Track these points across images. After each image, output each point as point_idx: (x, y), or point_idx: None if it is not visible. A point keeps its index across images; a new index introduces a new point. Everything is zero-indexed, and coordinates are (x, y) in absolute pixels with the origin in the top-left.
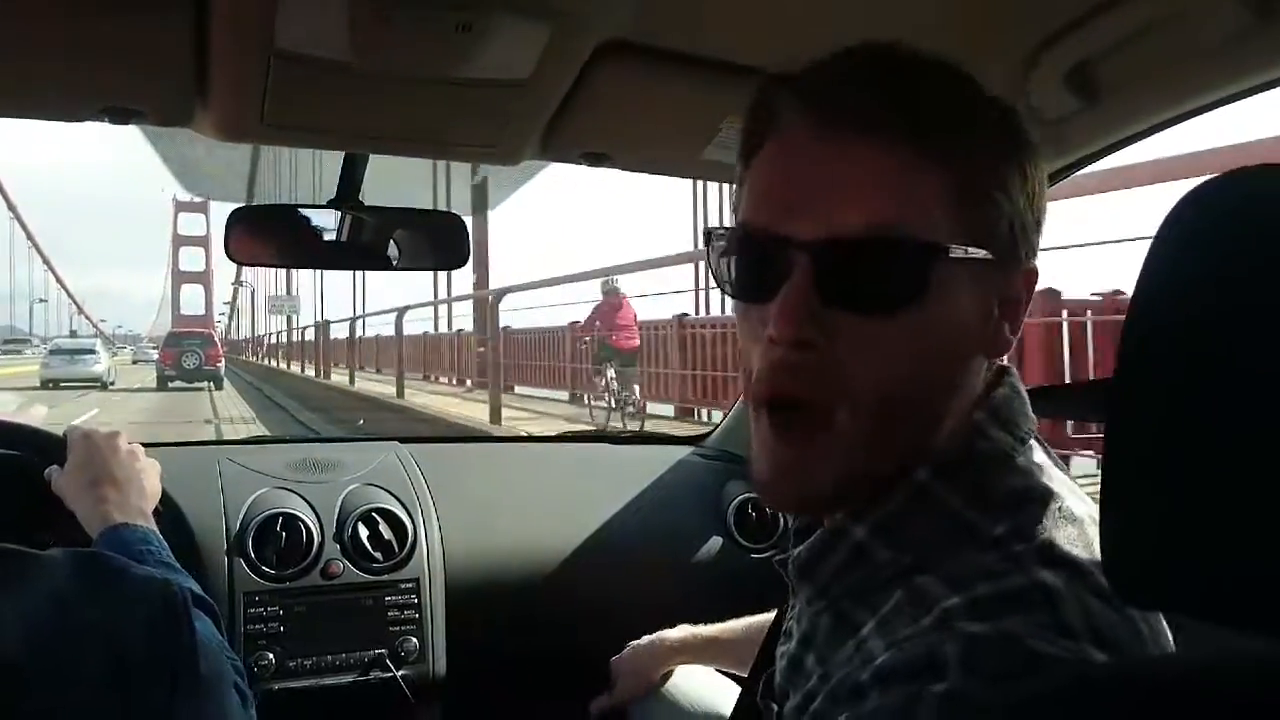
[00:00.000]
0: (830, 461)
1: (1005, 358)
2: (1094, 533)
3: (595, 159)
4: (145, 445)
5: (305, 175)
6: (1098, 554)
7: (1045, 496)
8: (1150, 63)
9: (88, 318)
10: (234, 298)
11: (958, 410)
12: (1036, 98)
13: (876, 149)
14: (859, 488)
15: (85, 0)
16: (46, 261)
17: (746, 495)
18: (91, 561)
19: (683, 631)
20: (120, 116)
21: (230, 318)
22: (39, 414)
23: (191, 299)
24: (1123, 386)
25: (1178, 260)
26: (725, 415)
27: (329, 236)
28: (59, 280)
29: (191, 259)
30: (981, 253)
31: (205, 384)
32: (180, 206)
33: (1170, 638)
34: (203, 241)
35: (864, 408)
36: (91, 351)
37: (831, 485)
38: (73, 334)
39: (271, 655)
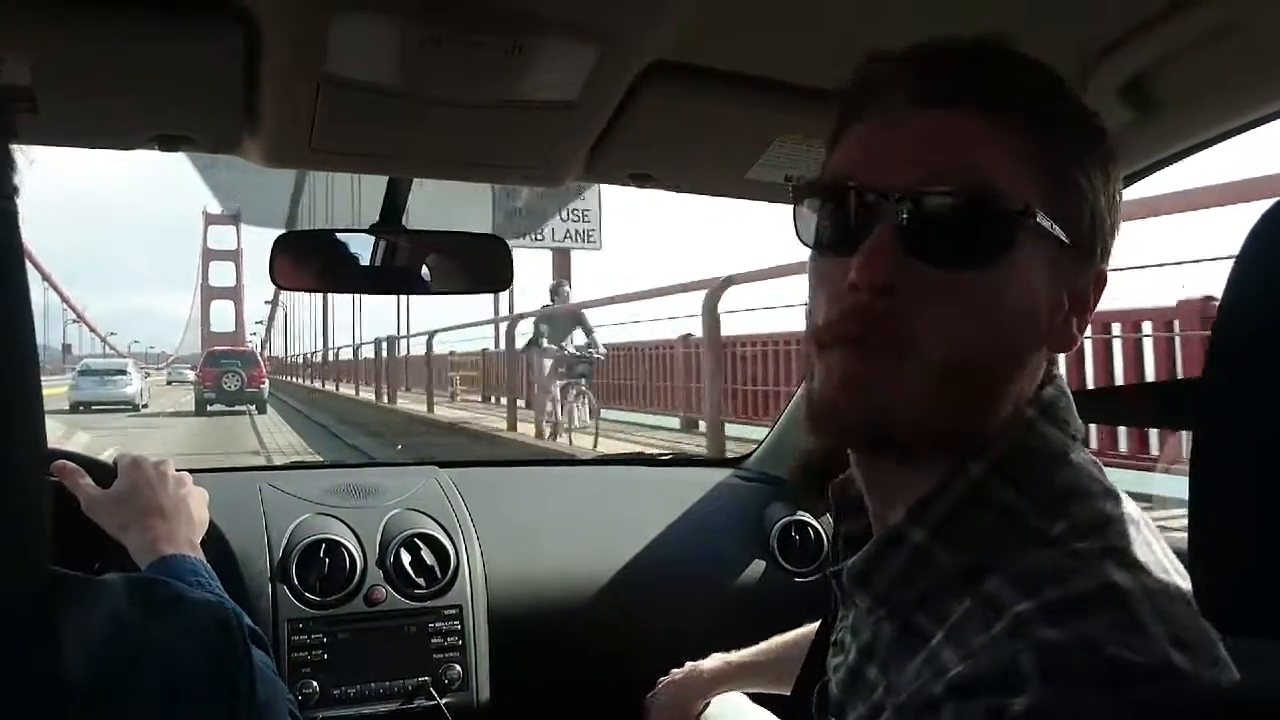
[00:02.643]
0: (898, 394)
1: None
2: (1149, 534)
3: (640, 180)
4: (190, 471)
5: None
6: (1159, 553)
7: (1100, 493)
8: (1207, 74)
9: (105, 341)
10: (270, 317)
11: (1013, 399)
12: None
13: (970, 117)
14: (926, 429)
15: (137, 31)
16: (59, 292)
17: (789, 518)
18: (148, 586)
19: (716, 661)
20: (170, 144)
21: (266, 335)
22: (80, 442)
23: (221, 316)
24: (1212, 400)
25: (1269, 269)
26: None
27: (371, 261)
28: (72, 307)
29: (221, 274)
30: (1062, 234)
31: (247, 408)
32: (210, 220)
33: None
34: (233, 256)
35: (930, 365)
36: (123, 372)
37: (900, 408)
38: (110, 350)
39: (315, 683)
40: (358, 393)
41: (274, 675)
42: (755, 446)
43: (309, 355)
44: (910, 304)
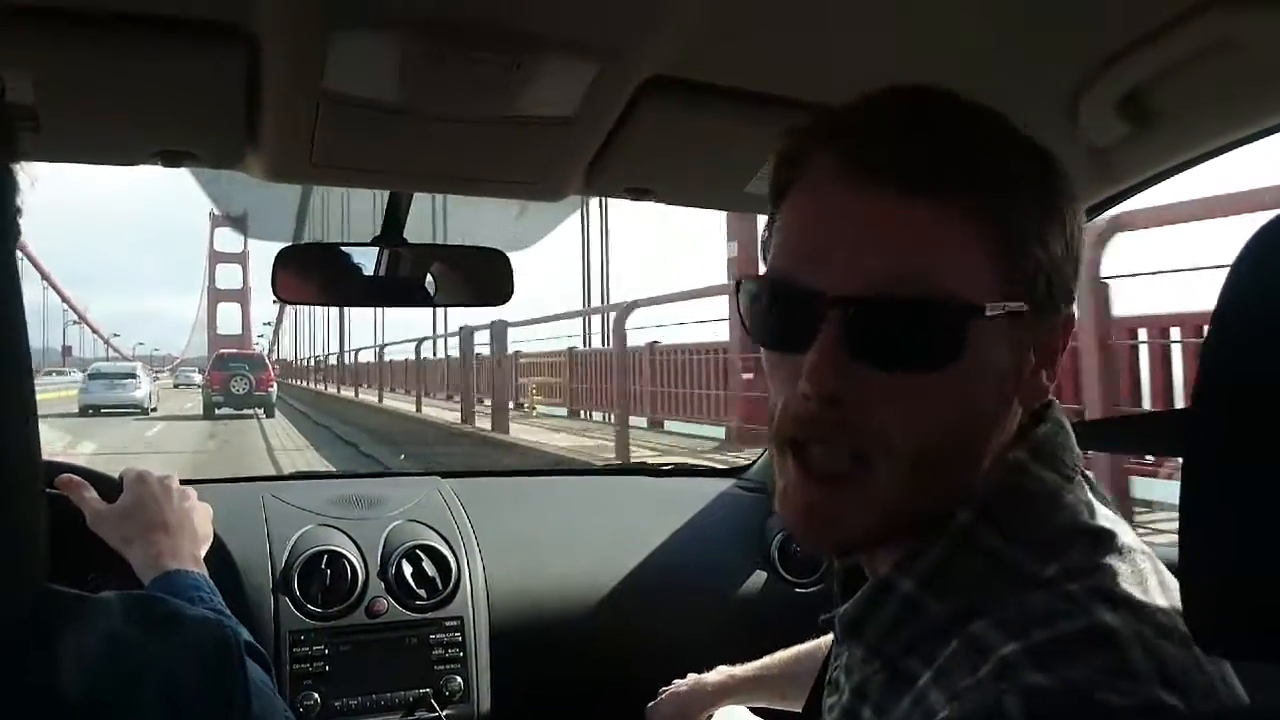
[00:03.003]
0: (863, 504)
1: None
2: (1149, 568)
3: (639, 194)
4: (190, 482)
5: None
6: (1153, 590)
7: (1095, 532)
8: (1205, 89)
9: (108, 343)
10: (279, 318)
11: (994, 450)
12: (1087, 124)
13: (909, 203)
14: (896, 529)
15: (139, 50)
16: (59, 292)
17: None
18: (146, 603)
19: (720, 674)
20: (173, 160)
21: (275, 335)
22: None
23: (227, 318)
24: (1201, 423)
25: (1262, 284)
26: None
27: (373, 274)
28: (73, 308)
29: (228, 276)
30: (1019, 304)
31: (254, 411)
32: (217, 222)
33: (1234, 677)
34: (240, 258)
35: (898, 459)
36: (132, 376)
37: (864, 528)
38: (114, 352)
39: (317, 695)
40: (380, 400)
41: (271, 692)
42: (756, 457)
43: (321, 358)
44: (861, 409)
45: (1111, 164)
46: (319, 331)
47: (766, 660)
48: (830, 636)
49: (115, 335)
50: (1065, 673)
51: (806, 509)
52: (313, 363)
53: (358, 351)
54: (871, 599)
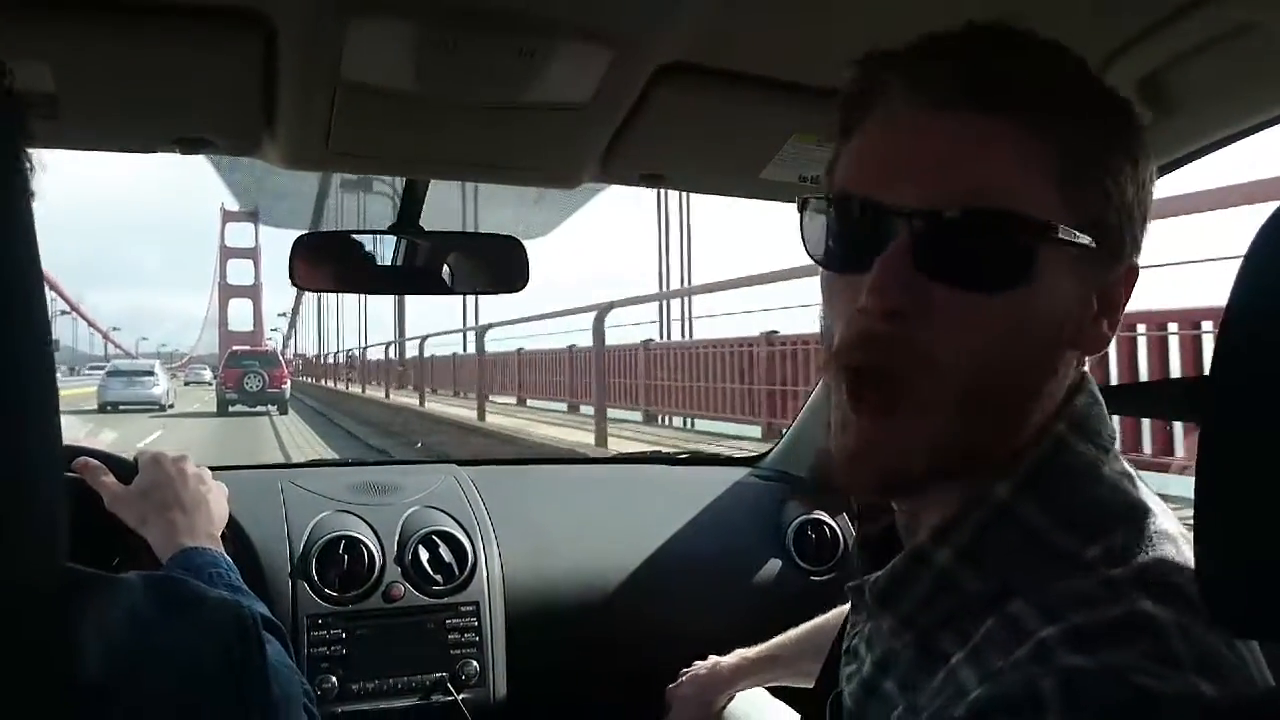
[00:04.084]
0: (916, 438)
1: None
2: (1189, 551)
3: (654, 180)
4: (211, 469)
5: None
6: (1192, 576)
7: (1136, 513)
8: (1222, 74)
9: (107, 338)
10: (294, 309)
11: (1042, 409)
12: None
13: (983, 121)
14: (943, 467)
15: (157, 36)
16: (48, 281)
17: (805, 517)
18: (166, 585)
19: (735, 656)
20: (191, 147)
21: (290, 330)
22: (107, 439)
23: (239, 315)
24: (1218, 403)
25: (1273, 276)
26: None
27: (389, 262)
28: (64, 297)
29: (239, 272)
30: (1087, 239)
31: (268, 408)
32: (228, 216)
33: (1264, 664)
34: (251, 254)
35: (951, 385)
36: (150, 373)
37: (918, 464)
38: (117, 349)
39: (334, 678)
40: (388, 396)
41: (289, 669)
42: (772, 445)
43: (353, 353)
44: (924, 327)
45: None
46: (352, 321)
47: (780, 639)
48: (843, 608)
49: (115, 329)
50: (1104, 656)
51: (856, 443)
52: (345, 358)
53: (380, 345)
54: (906, 570)
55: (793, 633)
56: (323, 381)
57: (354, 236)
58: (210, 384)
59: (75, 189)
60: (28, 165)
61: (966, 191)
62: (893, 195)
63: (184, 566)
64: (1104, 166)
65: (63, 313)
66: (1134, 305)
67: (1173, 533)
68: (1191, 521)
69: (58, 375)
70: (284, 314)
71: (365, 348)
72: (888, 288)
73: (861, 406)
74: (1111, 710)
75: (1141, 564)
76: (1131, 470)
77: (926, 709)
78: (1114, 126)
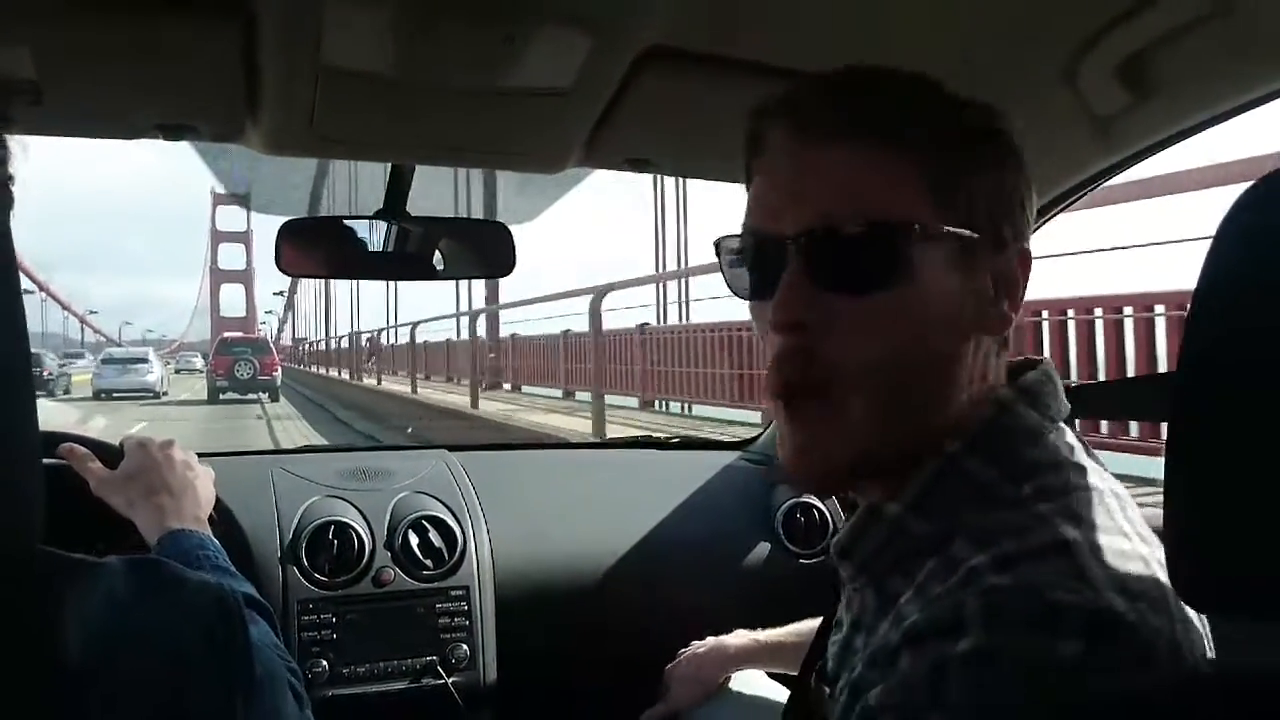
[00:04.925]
0: (841, 439)
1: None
2: (1114, 504)
3: (638, 165)
4: (200, 455)
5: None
6: (1119, 520)
7: (1071, 465)
8: (1204, 55)
9: (85, 321)
10: (291, 290)
11: (967, 386)
12: (1087, 93)
13: (847, 150)
14: (875, 462)
15: (138, 20)
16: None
17: (795, 500)
18: (148, 568)
19: (743, 638)
20: (173, 133)
21: (285, 313)
22: (98, 426)
23: (231, 301)
24: (1187, 383)
25: (1242, 256)
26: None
27: (376, 247)
28: (32, 278)
29: (231, 256)
30: (963, 231)
31: (259, 395)
32: (219, 200)
33: (1205, 635)
34: (243, 237)
35: (863, 385)
36: (144, 361)
37: (846, 461)
38: (99, 334)
39: (325, 663)
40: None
41: (274, 648)
42: (762, 429)
43: (373, 336)
44: (828, 335)
45: (1112, 132)
46: (371, 301)
47: (789, 628)
48: None
49: (92, 312)
50: (1022, 574)
51: (793, 452)
52: (366, 345)
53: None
54: (862, 523)
55: (802, 625)
56: (327, 369)
57: (342, 222)
58: (201, 371)
59: (60, 174)
60: (5, 150)
61: (844, 210)
62: (782, 224)
63: (171, 549)
64: (968, 172)
65: (29, 292)
66: (1121, 288)
67: (1112, 489)
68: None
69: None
70: (280, 292)
71: (394, 326)
72: (788, 304)
73: (792, 419)
74: (1027, 621)
75: (1069, 500)
76: (1079, 443)
77: (875, 645)
78: (973, 137)
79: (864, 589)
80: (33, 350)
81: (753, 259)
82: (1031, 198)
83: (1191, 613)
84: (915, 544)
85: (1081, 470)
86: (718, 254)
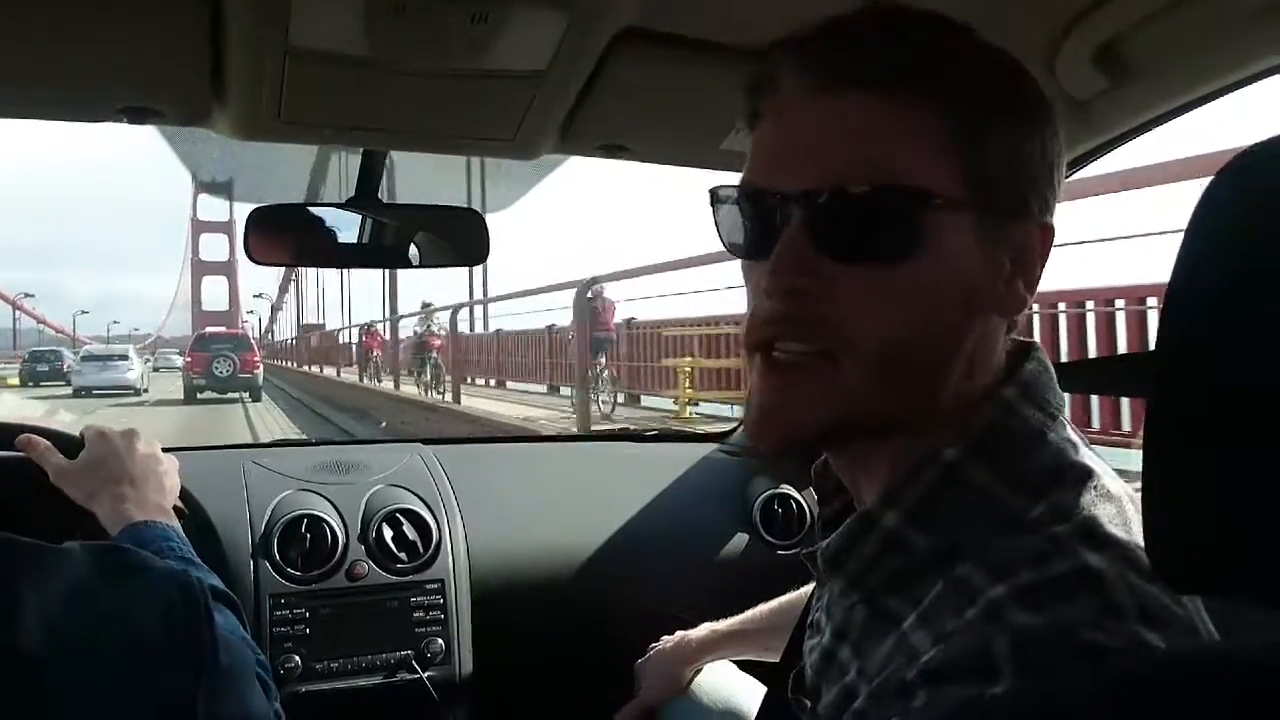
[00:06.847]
0: (822, 396)
1: (1023, 330)
2: (1132, 510)
3: (614, 151)
4: (170, 450)
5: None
6: (1136, 533)
7: (1081, 474)
8: (1180, 39)
9: (19, 307)
10: (284, 279)
11: (971, 371)
12: (1065, 78)
13: (861, 100)
14: (853, 430)
15: (100, 1)
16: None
17: (772, 491)
18: (109, 554)
19: (703, 630)
20: (138, 117)
21: (278, 297)
22: (64, 420)
23: (213, 294)
24: (1164, 366)
25: (1218, 236)
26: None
27: (348, 235)
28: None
29: (213, 247)
30: (979, 200)
31: (239, 395)
32: (200, 187)
33: (1206, 617)
34: (225, 227)
35: (863, 355)
36: (124, 357)
37: (818, 421)
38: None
39: (298, 657)
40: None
41: (241, 641)
42: (740, 422)
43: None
44: (826, 302)
45: (1092, 117)
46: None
47: (749, 614)
48: (811, 585)
49: (27, 295)
50: (1052, 613)
51: (763, 404)
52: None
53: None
54: (854, 532)
55: (761, 608)
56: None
57: (312, 210)
58: (180, 369)
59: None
60: None
61: (854, 169)
62: (786, 180)
63: (133, 541)
64: (995, 129)
65: None
66: (1111, 280)
67: (1115, 492)
68: (1137, 487)
69: None
70: (260, 295)
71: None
72: (785, 268)
73: (767, 376)
74: (1060, 667)
75: (1085, 519)
76: (1078, 437)
77: (878, 674)
78: (1002, 90)
79: (856, 603)
80: (53, 348)
81: (751, 215)
82: (1062, 167)
83: (1195, 607)
84: (915, 560)
85: (1088, 475)
86: (713, 205)
